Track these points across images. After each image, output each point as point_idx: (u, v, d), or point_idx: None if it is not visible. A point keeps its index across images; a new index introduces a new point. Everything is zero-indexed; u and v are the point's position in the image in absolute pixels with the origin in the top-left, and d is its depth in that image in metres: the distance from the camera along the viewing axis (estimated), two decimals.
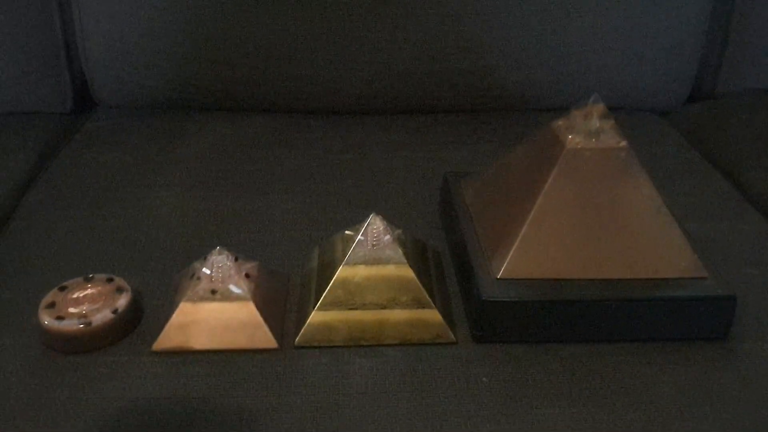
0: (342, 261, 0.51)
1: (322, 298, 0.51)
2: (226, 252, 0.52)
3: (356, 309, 0.51)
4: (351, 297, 0.51)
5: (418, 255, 0.55)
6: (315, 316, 0.50)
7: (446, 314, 0.52)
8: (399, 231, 0.54)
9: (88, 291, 0.52)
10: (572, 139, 0.52)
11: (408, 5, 0.81)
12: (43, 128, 0.86)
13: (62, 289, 0.52)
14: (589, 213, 0.52)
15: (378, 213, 0.53)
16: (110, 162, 0.75)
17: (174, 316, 0.50)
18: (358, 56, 0.83)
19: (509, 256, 0.51)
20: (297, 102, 0.86)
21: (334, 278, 0.51)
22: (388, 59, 0.83)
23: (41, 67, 0.87)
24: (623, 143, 0.52)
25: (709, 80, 0.95)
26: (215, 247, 0.52)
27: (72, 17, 0.85)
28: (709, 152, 0.82)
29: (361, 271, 0.51)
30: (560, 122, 0.54)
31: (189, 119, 0.84)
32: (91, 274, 0.54)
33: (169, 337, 0.50)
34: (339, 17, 0.82)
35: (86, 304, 0.51)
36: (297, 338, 0.50)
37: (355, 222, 0.54)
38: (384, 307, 0.51)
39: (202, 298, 0.50)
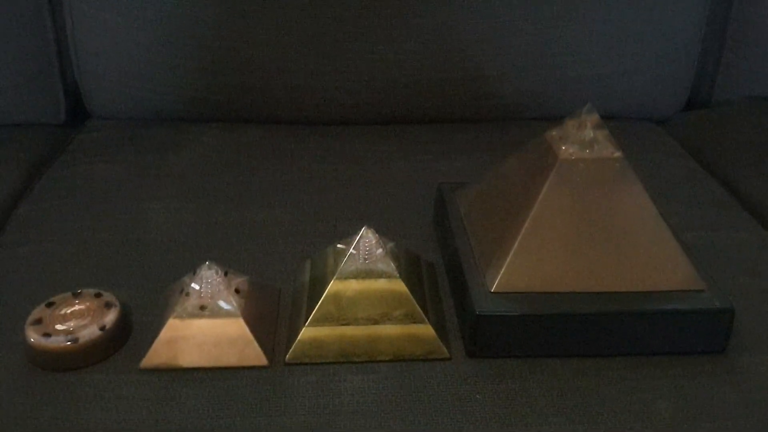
0: (333, 275, 0.50)
1: (313, 313, 0.50)
2: (215, 267, 0.51)
3: (348, 324, 0.50)
4: (342, 312, 0.50)
5: (411, 268, 0.54)
6: (306, 332, 0.50)
7: (440, 329, 0.51)
8: (392, 244, 0.53)
9: (76, 307, 0.51)
10: (566, 150, 0.51)
11: (402, 16, 0.81)
12: (35, 140, 0.85)
13: (49, 305, 0.52)
14: (584, 225, 0.51)
15: (370, 226, 0.52)
16: (102, 174, 0.75)
17: (162, 332, 0.49)
18: (352, 67, 0.82)
19: (503, 270, 0.50)
20: (290, 113, 0.85)
21: (325, 293, 0.50)
22: (382, 70, 0.83)
23: (34, 79, 0.86)
24: (617, 153, 0.52)
25: (706, 88, 0.94)
26: (205, 262, 0.51)
27: (65, 29, 0.84)
28: (705, 160, 0.82)
29: (353, 286, 0.50)
30: (554, 132, 0.54)
31: (182, 130, 0.83)
32: (79, 289, 0.53)
33: (158, 355, 0.49)
34: (332, 28, 0.81)
35: (74, 320, 0.50)
36: (287, 355, 0.50)
37: (348, 235, 0.53)
38: (376, 323, 0.50)
39: (191, 315, 0.49)
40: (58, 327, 0.49)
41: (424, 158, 0.78)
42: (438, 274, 0.58)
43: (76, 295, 0.53)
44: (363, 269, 0.50)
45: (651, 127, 0.88)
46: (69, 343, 0.48)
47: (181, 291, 0.51)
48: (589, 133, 0.52)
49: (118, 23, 0.82)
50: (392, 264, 0.51)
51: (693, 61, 0.89)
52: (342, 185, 0.72)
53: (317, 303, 0.50)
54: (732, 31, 0.91)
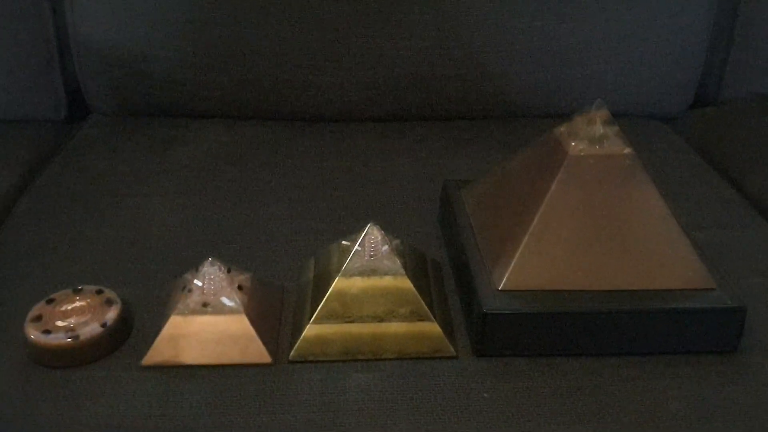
0: (338, 272, 0.50)
1: (317, 310, 0.49)
2: (218, 263, 0.50)
3: (353, 322, 0.49)
4: (347, 309, 0.49)
5: (416, 266, 0.53)
6: (310, 330, 0.49)
7: (446, 327, 0.50)
8: (397, 241, 0.53)
9: (77, 303, 0.51)
10: (575, 146, 0.51)
11: (407, 12, 0.80)
12: (36, 136, 0.84)
13: (50, 301, 0.51)
14: (593, 222, 0.50)
15: (376, 223, 0.51)
16: (103, 170, 0.74)
17: (164, 329, 0.48)
18: (356, 63, 0.82)
19: (511, 267, 0.49)
20: (294, 109, 0.85)
21: (329, 290, 0.49)
22: (387, 66, 0.82)
23: (35, 75, 0.86)
24: (628, 149, 0.51)
25: (713, 86, 0.93)
26: (207, 258, 0.50)
27: (66, 24, 0.84)
28: (713, 159, 0.81)
29: (358, 283, 0.49)
30: (563, 128, 0.53)
31: (183, 126, 0.83)
32: (80, 285, 0.52)
33: (159, 352, 0.48)
34: (336, 24, 0.80)
35: (74, 317, 0.49)
36: (291, 352, 0.49)
37: (353, 232, 0.53)
38: (381, 320, 0.49)
39: (194, 311, 0.48)
40: (59, 324, 0.49)
41: (429, 155, 0.77)
42: (443, 272, 0.58)
43: (76, 292, 0.52)
44: (368, 266, 0.50)
45: (658, 125, 0.88)
46: (69, 340, 0.48)
47: (183, 288, 0.50)
48: (598, 129, 0.51)
49: (119, 19, 0.81)
50: (398, 261, 0.50)
51: (700, 58, 0.88)
52: (346, 182, 0.72)
53: (322, 300, 0.49)
54: (739, 29, 0.90)
